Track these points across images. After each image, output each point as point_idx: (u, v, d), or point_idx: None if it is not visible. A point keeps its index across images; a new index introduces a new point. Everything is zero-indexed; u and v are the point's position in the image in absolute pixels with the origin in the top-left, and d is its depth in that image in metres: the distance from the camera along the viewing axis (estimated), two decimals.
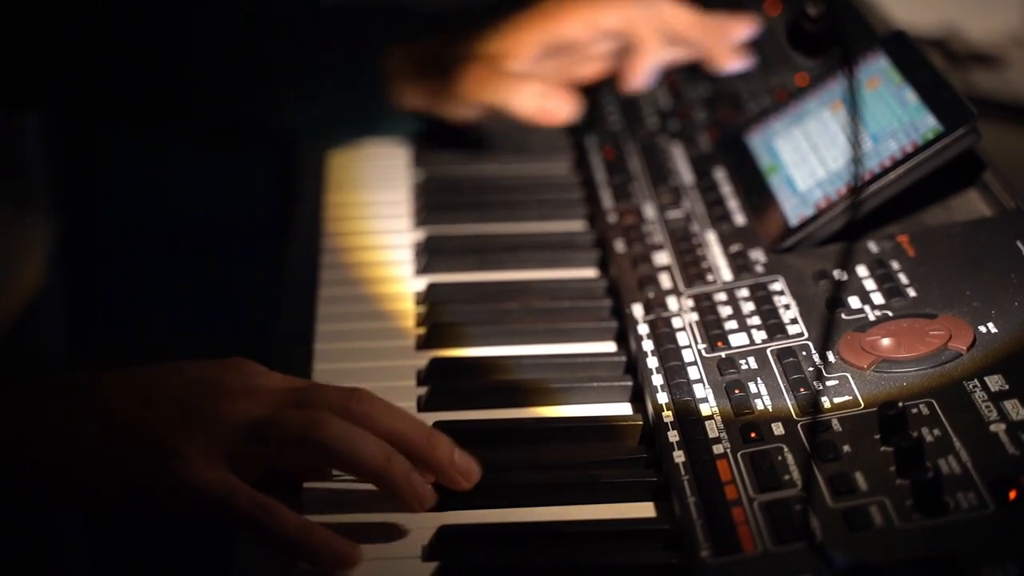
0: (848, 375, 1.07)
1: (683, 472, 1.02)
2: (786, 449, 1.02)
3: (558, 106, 1.45)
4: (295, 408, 1.00)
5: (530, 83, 1.45)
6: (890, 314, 1.13)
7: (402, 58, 1.51)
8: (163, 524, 1.09)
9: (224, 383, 1.01)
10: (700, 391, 1.10)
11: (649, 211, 1.36)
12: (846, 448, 1.00)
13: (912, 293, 1.14)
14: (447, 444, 1.02)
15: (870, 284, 1.17)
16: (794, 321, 1.15)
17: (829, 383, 1.07)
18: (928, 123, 1.25)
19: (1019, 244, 1.14)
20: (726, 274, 1.24)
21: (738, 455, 1.02)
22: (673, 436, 1.06)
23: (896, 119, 1.27)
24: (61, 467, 0.99)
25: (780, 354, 1.12)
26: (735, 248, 1.27)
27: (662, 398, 1.10)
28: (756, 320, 1.17)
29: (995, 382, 1.02)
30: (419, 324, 1.27)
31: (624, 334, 1.22)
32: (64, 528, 2.12)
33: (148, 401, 1.01)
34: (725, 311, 1.19)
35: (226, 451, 0.98)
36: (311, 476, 1.04)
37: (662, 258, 1.28)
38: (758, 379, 1.10)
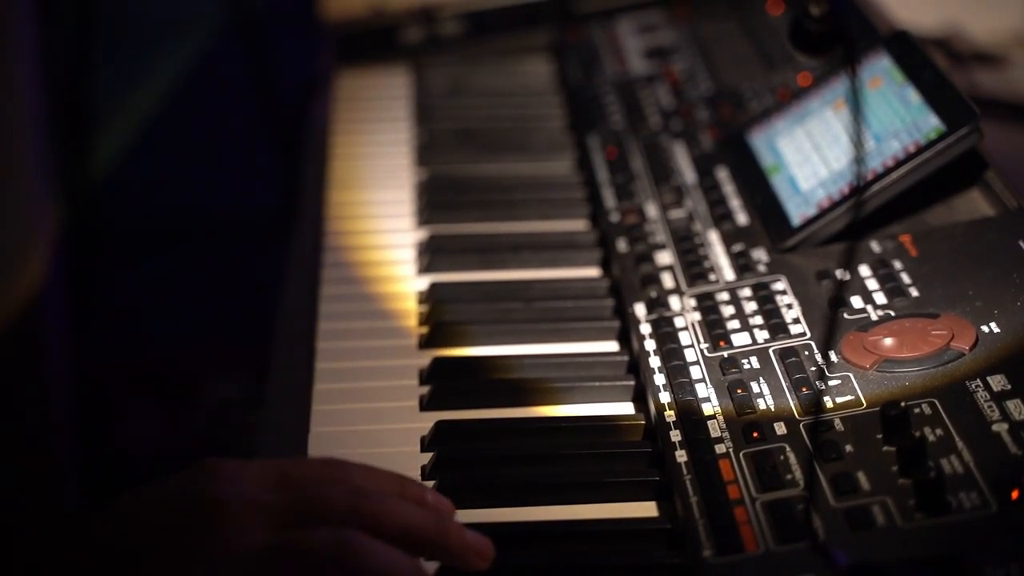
0: (850, 375, 1.07)
1: (685, 472, 1.02)
2: (788, 449, 1.02)
3: None
4: (310, 528, 0.91)
5: None
6: (892, 314, 1.13)
7: None
8: None
9: (215, 498, 0.91)
10: (702, 391, 1.10)
11: (651, 210, 1.36)
12: (848, 448, 1.00)
13: (914, 293, 1.14)
14: (457, 528, 0.95)
15: (872, 284, 1.16)
16: (796, 321, 1.15)
17: (831, 383, 1.07)
18: (931, 123, 1.24)
19: (1022, 244, 1.14)
20: (728, 274, 1.24)
21: (740, 455, 1.02)
22: (675, 436, 1.06)
23: (899, 119, 1.27)
24: None
25: (782, 354, 1.12)
26: (737, 248, 1.27)
27: (664, 398, 1.10)
28: (758, 320, 1.17)
29: (997, 382, 1.02)
30: (421, 323, 1.27)
31: (626, 333, 1.22)
32: None
33: (138, 535, 0.91)
34: (727, 311, 1.19)
35: (242, 568, 0.89)
36: None
37: (664, 258, 1.28)
38: (760, 379, 1.10)
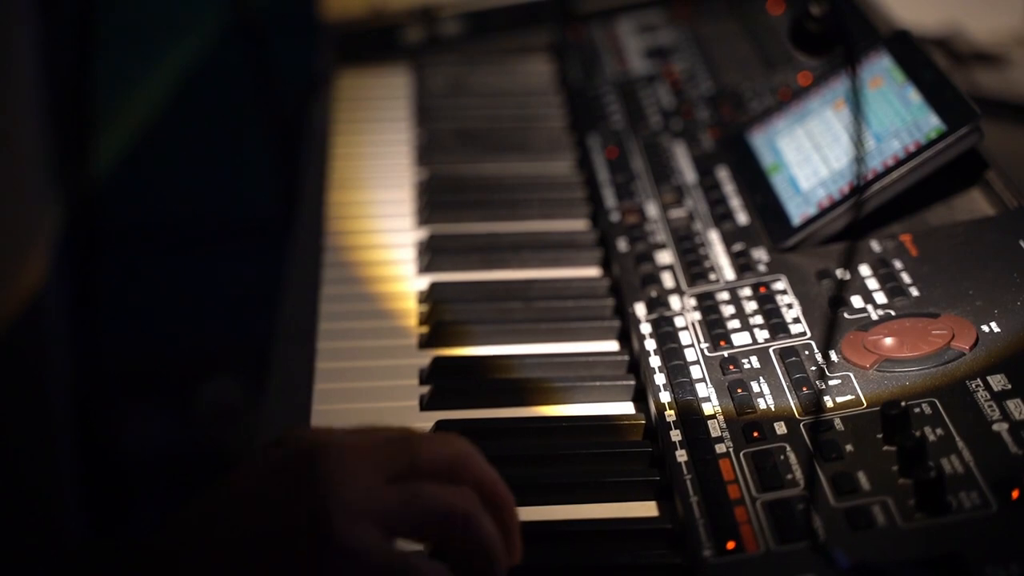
0: (851, 374, 1.07)
1: (686, 471, 1.02)
2: (788, 448, 1.02)
3: None
4: (429, 486, 0.91)
5: None
6: (893, 313, 1.13)
7: None
8: (195, 487, 0.93)
9: (326, 448, 0.90)
10: (703, 390, 1.10)
11: (652, 210, 1.36)
12: (849, 447, 1.00)
13: (915, 292, 1.14)
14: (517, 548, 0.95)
15: (873, 283, 1.16)
16: (796, 320, 1.15)
17: (832, 382, 1.07)
18: (931, 122, 1.24)
19: (1022, 243, 1.14)
20: (729, 273, 1.24)
21: (740, 454, 1.02)
22: (676, 435, 1.06)
23: (899, 118, 1.27)
24: None
25: (782, 353, 1.12)
26: (738, 247, 1.27)
27: (664, 397, 1.10)
28: (759, 319, 1.16)
29: (998, 382, 1.02)
30: (421, 323, 1.27)
31: (627, 333, 1.22)
32: (66, 529, 2.12)
33: (258, 494, 0.90)
34: (728, 310, 1.18)
35: (375, 518, 0.88)
36: None
37: (664, 257, 1.28)
38: (760, 378, 1.10)
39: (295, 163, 1.68)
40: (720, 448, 1.03)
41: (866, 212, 1.23)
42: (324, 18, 1.85)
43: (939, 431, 0.99)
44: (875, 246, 1.20)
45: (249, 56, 2.64)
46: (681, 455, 1.04)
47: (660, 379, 1.12)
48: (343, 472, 0.89)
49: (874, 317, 1.13)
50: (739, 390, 1.08)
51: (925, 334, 1.08)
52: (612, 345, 1.23)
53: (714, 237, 1.30)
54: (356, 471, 0.89)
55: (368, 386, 1.19)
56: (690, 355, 1.14)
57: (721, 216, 1.32)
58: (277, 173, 2.47)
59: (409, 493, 0.90)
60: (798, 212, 1.27)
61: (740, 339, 1.15)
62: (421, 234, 1.41)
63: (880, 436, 1.00)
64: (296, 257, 1.46)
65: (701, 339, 1.16)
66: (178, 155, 2.61)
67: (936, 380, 1.04)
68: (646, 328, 1.19)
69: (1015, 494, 0.93)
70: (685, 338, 1.16)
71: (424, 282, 1.33)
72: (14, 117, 2.11)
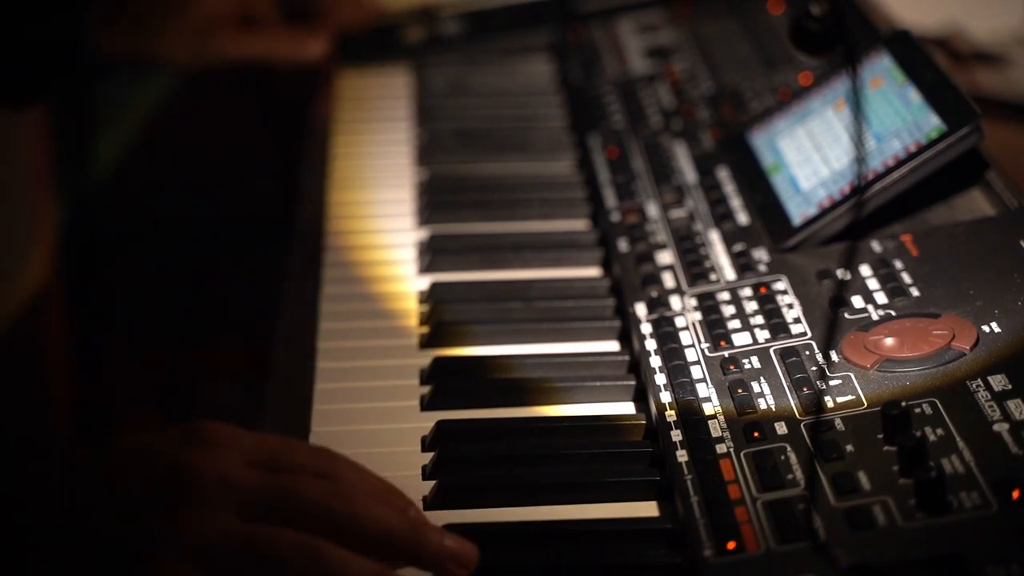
0: (851, 374, 1.07)
1: (686, 471, 1.02)
2: (789, 448, 1.02)
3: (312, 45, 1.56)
4: (282, 527, 0.89)
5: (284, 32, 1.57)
6: (893, 313, 1.13)
7: (105, 10, 1.57)
8: None
9: (194, 469, 0.89)
10: (703, 390, 1.10)
11: (652, 210, 1.36)
12: (849, 448, 1.00)
13: (915, 292, 1.14)
14: (436, 533, 0.94)
15: (873, 283, 1.16)
16: (797, 320, 1.15)
17: (832, 382, 1.07)
18: (932, 122, 1.24)
19: (1023, 243, 1.14)
20: (729, 273, 1.24)
21: (741, 454, 1.02)
22: (676, 435, 1.06)
23: (900, 118, 1.27)
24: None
25: (783, 353, 1.12)
26: (738, 247, 1.27)
27: (665, 397, 1.10)
28: (759, 319, 1.16)
29: (998, 382, 1.02)
30: (422, 323, 1.27)
31: (627, 333, 1.22)
32: None
33: (107, 488, 0.89)
34: (728, 310, 1.18)
35: (199, 560, 0.87)
36: None
37: (665, 257, 1.28)
38: (761, 378, 1.10)
39: (295, 163, 1.68)
40: (721, 448, 1.03)
41: (867, 212, 1.23)
42: None
43: (940, 431, 0.99)
44: (876, 246, 1.20)
45: None
46: (681, 455, 1.04)
47: (661, 379, 1.12)
48: (191, 499, 0.88)
49: (875, 317, 1.13)
50: (740, 390, 1.08)
51: (926, 334, 1.08)
52: (613, 345, 1.23)
53: (715, 237, 1.30)
54: (207, 502, 0.88)
55: (368, 386, 1.19)
56: (691, 355, 1.14)
57: (721, 216, 1.32)
58: (277, 173, 2.47)
59: (252, 540, 0.88)
60: (798, 212, 1.27)
61: (741, 339, 1.15)
62: (422, 234, 1.41)
63: (881, 436, 1.00)
64: (296, 257, 1.46)
65: (702, 339, 1.16)
66: (178, 155, 2.61)
67: (937, 380, 1.04)
68: (647, 328, 1.19)
69: (1015, 494, 0.93)
70: (686, 338, 1.16)
71: (425, 282, 1.33)
72: (15, 117, 2.10)
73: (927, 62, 1.30)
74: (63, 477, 0.91)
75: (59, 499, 0.90)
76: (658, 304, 1.21)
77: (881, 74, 1.32)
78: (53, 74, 1.59)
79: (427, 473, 1.08)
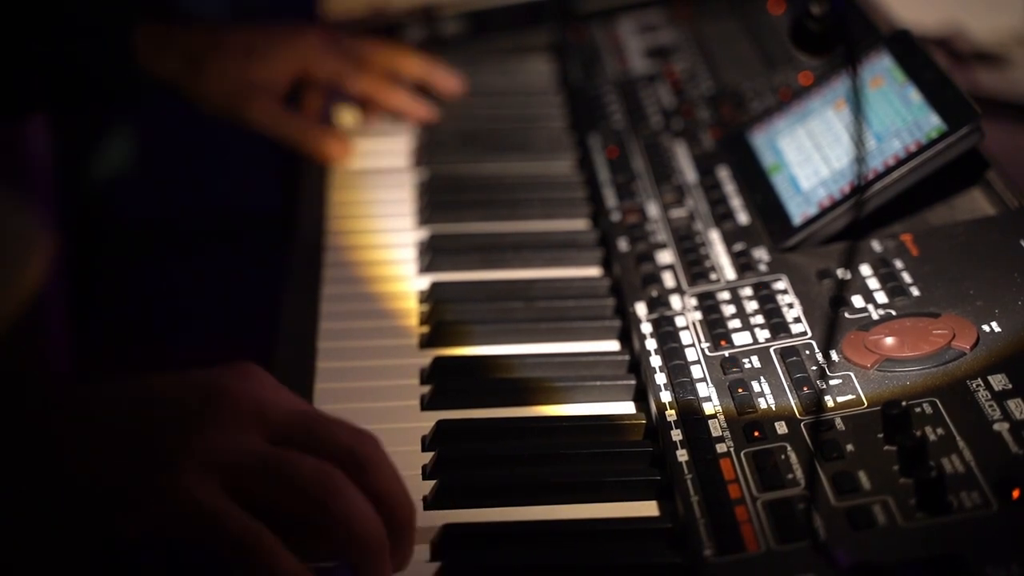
0: (851, 374, 1.07)
1: (686, 471, 1.02)
2: (789, 448, 1.02)
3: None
4: (307, 454, 0.93)
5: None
6: (893, 313, 1.13)
7: (157, 34, 1.58)
8: (156, 551, 0.99)
9: (230, 392, 0.94)
10: (703, 390, 1.10)
11: (652, 210, 1.36)
12: (849, 447, 1.00)
13: (915, 292, 1.14)
14: (410, 549, 0.97)
15: (873, 283, 1.16)
16: (797, 320, 1.15)
17: (832, 382, 1.07)
18: (932, 122, 1.24)
19: (1023, 243, 1.14)
20: (729, 273, 1.24)
21: (741, 454, 1.02)
22: (676, 435, 1.06)
23: (900, 118, 1.27)
24: (57, 484, 0.92)
25: (783, 353, 1.12)
26: (738, 247, 1.27)
27: (665, 397, 1.10)
28: (759, 319, 1.16)
29: (998, 381, 1.02)
30: (422, 323, 1.27)
31: (627, 333, 1.22)
32: None
33: (144, 408, 0.94)
34: (728, 310, 1.18)
35: (223, 471, 0.91)
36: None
37: (665, 257, 1.28)
38: (761, 378, 1.10)
39: (295, 162, 1.68)
40: (721, 448, 1.03)
41: (867, 212, 1.23)
42: (325, 18, 1.85)
43: (940, 431, 0.99)
44: (876, 246, 1.20)
45: None
46: (682, 455, 1.04)
47: (661, 379, 1.12)
48: (223, 418, 0.92)
49: (875, 317, 1.13)
50: (740, 390, 1.08)
51: (926, 334, 1.08)
52: (613, 345, 1.23)
53: (715, 237, 1.30)
54: (238, 423, 0.92)
55: (369, 386, 1.19)
56: (691, 355, 1.14)
57: (722, 216, 1.32)
58: (277, 173, 2.47)
59: (275, 458, 0.92)
60: (799, 212, 1.27)
61: (741, 339, 1.15)
62: (422, 234, 1.41)
63: (881, 436, 1.00)
64: (296, 257, 1.46)
65: (702, 339, 1.16)
66: (179, 154, 2.61)
67: (937, 380, 1.04)
68: (647, 328, 1.19)
69: (1015, 494, 0.93)
70: (686, 338, 1.16)
71: (425, 282, 1.33)
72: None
73: (927, 62, 1.30)
74: (100, 395, 0.95)
75: (95, 412, 0.94)
76: (658, 304, 1.21)
77: (881, 74, 1.32)
78: (100, 88, 1.61)
79: (427, 473, 1.08)
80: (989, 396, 1.01)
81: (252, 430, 0.93)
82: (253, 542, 0.89)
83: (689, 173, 1.41)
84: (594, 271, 1.34)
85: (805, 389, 1.07)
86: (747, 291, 1.20)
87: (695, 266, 1.25)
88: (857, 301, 1.15)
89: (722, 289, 1.22)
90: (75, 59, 1.58)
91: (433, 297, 1.30)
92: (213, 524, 0.89)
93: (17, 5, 1.57)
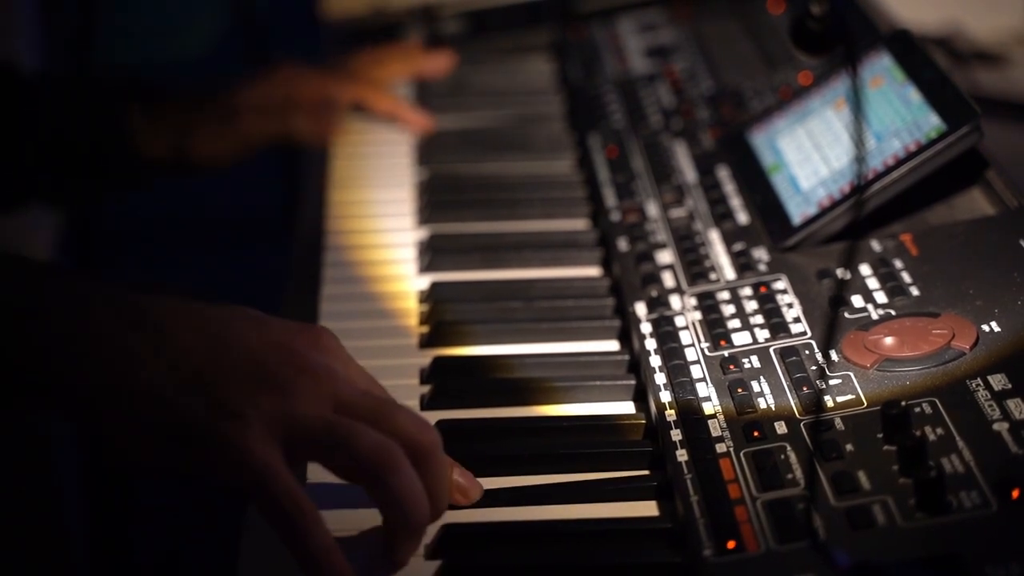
0: (851, 374, 1.07)
1: (686, 471, 1.02)
2: (789, 448, 1.02)
3: None
4: (372, 428, 0.96)
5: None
6: (893, 313, 1.13)
7: (146, 113, 1.61)
8: (197, 484, 1.04)
9: (308, 359, 0.97)
10: (703, 390, 1.10)
11: (652, 209, 1.36)
12: (849, 447, 1.00)
13: (915, 292, 1.14)
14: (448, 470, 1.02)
15: (873, 283, 1.16)
16: (797, 320, 1.15)
17: (832, 382, 1.07)
18: (931, 122, 1.24)
19: (1022, 243, 1.14)
20: (729, 273, 1.24)
21: (741, 454, 1.02)
22: (676, 435, 1.06)
23: (899, 118, 1.27)
24: (109, 397, 0.94)
25: (783, 353, 1.12)
26: (738, 247, 1.27)
27: (665, 397, 1.10)
28: (759, 319, 1.16)
29: (998, 381, 1.02)
30: (422, 322, 1.27)
31: (627, 333, 1.22)
32: (67, 527, 2.12)
33: (223, 350, 0.96)
34: (728, 310, 1.18)
35: (286, 432, 0.94)
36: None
37: (665, 257, 1.28)
38: (761, 378, 1.10)
39: (295, 163, 1.68)
40: (720, 448, 1.03)
41: (866, 212, 1.23)
42: (325, 17, 1.85)
43: (939, 431, 0.99)
44: (875, 246, 1.20)
45: (249, 56, 2.63)
46: (681, 455, 1.04)
47: (660, 378, 1.12)
48: (298, 386, 0.95)
49: (874, 317, 1.13)
50: (739, 389, 1.08)
51: (925, 334, 1.08)
52: (612, 345, 1.23)
53: (714, 237, 1.30)
54: (311, 393, 0.96)
55: None
56: (690, 355, 1.14)
57: (721, 216, 1.32)
58: (277, 173, 2.47)
59: (342, 427, 0.95)
60: (798, 211, 1.27)
61: (740, 339, 1.15)
62: (422, 234, 1.41)
63: (880, 436, 1.00)
64: (296, 257, 1.46)
65: (701, 339, 1.16)
66: None
67: (936, 380, 1.04)
68: (646, 328, 1.19)
69: (1015, 494, 0.93)
70: (685, 338, 1.16)
71: (425, 282, 1.33)
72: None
73: (927, 62, 1.30)
74: (176, 320, 0.97)
75: (173, 341, 0.96)
76: (658, 303, 1.21)
77: (881, 74, 1.32)
78: (97, 179, 1.65)
79: None
80: (989, 396, 1.01)
81: (323, 401, 0.96)
82: (293, 507, 0.92)
83: (689, 173, 1.41)
84: (594, 271, 1.34)
85: (805, 389, 1.07)
86: (747, 291, 1.20)
87: (695, 266, 1.25)
88: (857, 301, 1.15)
89: (722, 289, 1.22)
90: (73, 149, 1.60)
91: (433, 297, 1.30)
92: (263, 481, 0.92)
93: (12, 104, 1.59)
